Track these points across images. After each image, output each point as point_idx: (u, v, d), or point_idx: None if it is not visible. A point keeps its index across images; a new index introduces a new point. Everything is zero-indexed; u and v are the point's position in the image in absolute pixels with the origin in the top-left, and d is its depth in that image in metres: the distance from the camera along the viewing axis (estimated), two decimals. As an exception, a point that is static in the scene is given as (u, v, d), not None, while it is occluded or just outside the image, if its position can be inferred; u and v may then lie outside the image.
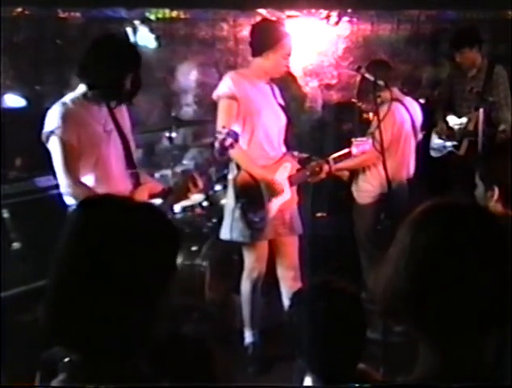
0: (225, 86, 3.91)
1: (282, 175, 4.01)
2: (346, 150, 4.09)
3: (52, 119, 3.21)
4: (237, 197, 3.93)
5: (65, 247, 1.40)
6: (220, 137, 3.28)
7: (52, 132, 3.20)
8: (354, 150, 4.05)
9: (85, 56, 3.34)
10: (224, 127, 3.41)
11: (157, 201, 3.42)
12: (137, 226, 1.40)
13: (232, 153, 3.74)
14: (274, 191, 3.94)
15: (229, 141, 3.28)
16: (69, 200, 3.28)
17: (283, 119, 4.07)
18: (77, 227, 1.41)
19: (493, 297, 1.27)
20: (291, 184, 4.04)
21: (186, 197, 3.49)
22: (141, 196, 3.34)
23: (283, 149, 4.09)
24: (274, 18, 5.25)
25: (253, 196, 3.90)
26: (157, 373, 1.41)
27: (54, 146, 3.21)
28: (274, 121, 4.01)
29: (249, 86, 3.94)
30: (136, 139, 3.58)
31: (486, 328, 1.30)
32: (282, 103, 4.12)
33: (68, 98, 3.30)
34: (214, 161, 3.49)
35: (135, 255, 1.36)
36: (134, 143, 3.56)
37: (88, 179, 3.28)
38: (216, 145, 3.30)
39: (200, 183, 3.39)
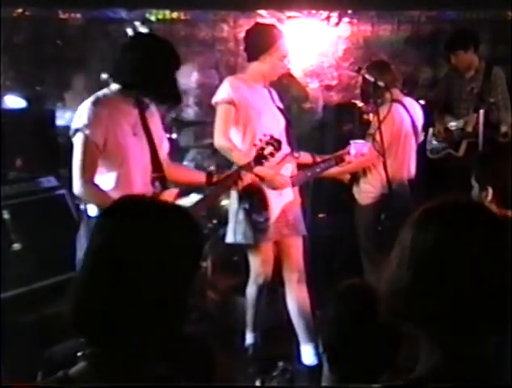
0: (224, 91, 3.92)
1: (284, 176, 4.02)
2: (344, 151, 4.10)
3: (82, 116, 3.13)
4: (240, 199, 3.93)
5: (92, 246, 1.42)
6: (260, 144, 3.29)
7: (78, 130, 3.13)
8: (352, 151, 4.06)
9: (125, 55, 3.25)
10: (265, 135, 3.41)
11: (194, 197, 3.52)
12: (162, 227, 1.42)
13: (233, 156, 3.76)
14: (276, 186, 3.93)
15: (269, 149, 3.29)
16: (88, 206, 3.19)
17: (282, 121, 4.08)
18: (105, 227, 1.43)
19: (494, 296, 1.27)
20: (293, 185, 4.04)
21: (228, 190, 3.51)
22: (167, 199, 3.29)
23: (284, 150, 4.08)
24: (267, 22, 5.24)
25: (255, 196, 3.91)
26: (175, 374, 1.42)
27: (78, 143, 3.13)
28: (274, 124, 4.01)
29: (248, 91, 3.94)
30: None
31: (487, 328, 1.30)
32: (280, 105, 4.12)
33: (101, 93, 3.22)
34: (250, 169, 3.43)
35: (159, 255, 1.39)
36: (166, 146, 3.49)
37: (109, 179, 3.20)
38: (254, 153, 3.30)
39: (246, 180, 3.41)
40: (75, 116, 3.18)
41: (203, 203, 3.46)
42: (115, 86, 3.25)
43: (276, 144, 3.31)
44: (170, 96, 3.34)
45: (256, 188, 3.90)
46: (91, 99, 3.19)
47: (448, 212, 1.34)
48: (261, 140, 3.33)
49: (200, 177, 3.58)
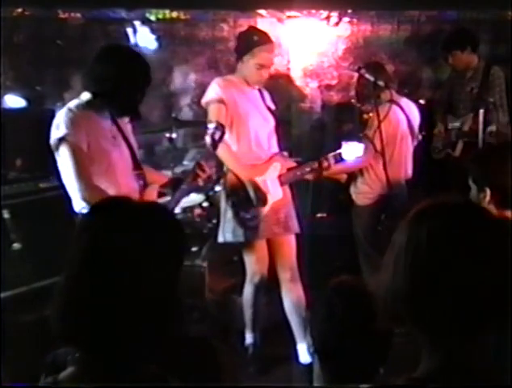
0: (213, 91, 3.94)
1: (272, 175, 4.02)
2: (336, 152, 4.03)
3: (60, 125, 3.12)
4: (228, 196, 3.96)
5: (76, 249, 1.41)
6: (210, 131, 3.45)
7: (61, 139, 3.11)
8: (343, 153, 4.01)
9: (96, 64, 3.25)
10: (210, 121, 3.59)
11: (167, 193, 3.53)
12: (146, 227, 1.42)
13: (219, 153, 3.77)
14: (260, 193, 3.94)
15: (218, 134, 3.45)
16: (81, 205, 3.16)
17: (271, 122, 4.09)
18: (89, 230, 1.42)
19: (493, 295, 1.27)
20: (282, 184, 4.05)
21: (196, 184, 3.51)
22: (150, 196, 3.34)
23: (273, 150, 4.09)
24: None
25: (242, 194, 3.93)
26: (164, 373, 1.42)
27: (65, 153, 3.12)
28: (262, 124, 4.04)
29: (236, 92, 3.97)
30: (137, 140, 3.58)
31: (486, 328, 1.30)
32: (271, 106, 4.14)
33: (73, 104, 3.22)
34: (209, 155, 3.56)
35: (144, 255, 1.38)
36: (136, 143, 3.52)
37: (99, 184, 3.19)
38: (207, 139, 3.47)
39: (207, 169, 3.47)
40: (53, 128, 3.16)
41: (173, 201, 3.48)
42: (85, 95, 3.25)
43: (221, 128, 3.49)
44: (130, 112, 3.35)
45: (241, 185, 3.92)
46: (65, 109, 3.20)
47: (442, 212, 1.34)
48: (208, 127, 3.50)
49: (165, 179, 3.65)
